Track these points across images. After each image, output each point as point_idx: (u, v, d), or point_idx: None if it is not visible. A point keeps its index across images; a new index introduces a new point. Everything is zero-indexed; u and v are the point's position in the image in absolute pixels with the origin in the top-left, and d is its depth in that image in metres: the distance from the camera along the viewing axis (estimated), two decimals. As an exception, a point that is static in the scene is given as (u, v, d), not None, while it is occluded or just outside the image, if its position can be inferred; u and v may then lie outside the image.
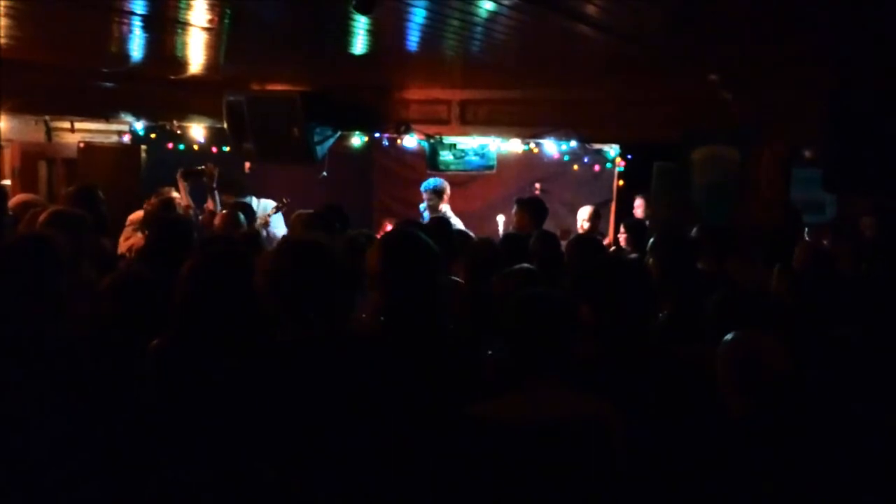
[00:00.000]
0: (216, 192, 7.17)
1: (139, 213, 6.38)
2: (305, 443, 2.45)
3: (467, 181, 9.22)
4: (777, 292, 4.63)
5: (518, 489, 2.53)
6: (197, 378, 2.69)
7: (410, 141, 8.25)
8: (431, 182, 7.80)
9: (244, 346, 2.66)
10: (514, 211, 6.66)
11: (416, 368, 2.75)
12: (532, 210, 6.55)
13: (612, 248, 7.02)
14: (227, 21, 4.85)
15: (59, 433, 2.68)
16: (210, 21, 4.79)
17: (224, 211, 6.71)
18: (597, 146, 8.13)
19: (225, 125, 8.01)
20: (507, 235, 6.20)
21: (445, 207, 7.70)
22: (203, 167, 7.35)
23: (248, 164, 9.07)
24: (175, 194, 6.98)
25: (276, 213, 7.41)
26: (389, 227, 7.20)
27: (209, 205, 7.16)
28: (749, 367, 2.87)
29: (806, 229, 6.28)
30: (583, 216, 7.66)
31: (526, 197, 7.08)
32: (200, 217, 6.96)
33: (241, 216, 6.27)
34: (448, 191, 7.76)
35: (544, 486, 2.54)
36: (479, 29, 4.69)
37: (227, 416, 2.48)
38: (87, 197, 5.51)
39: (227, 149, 8.45)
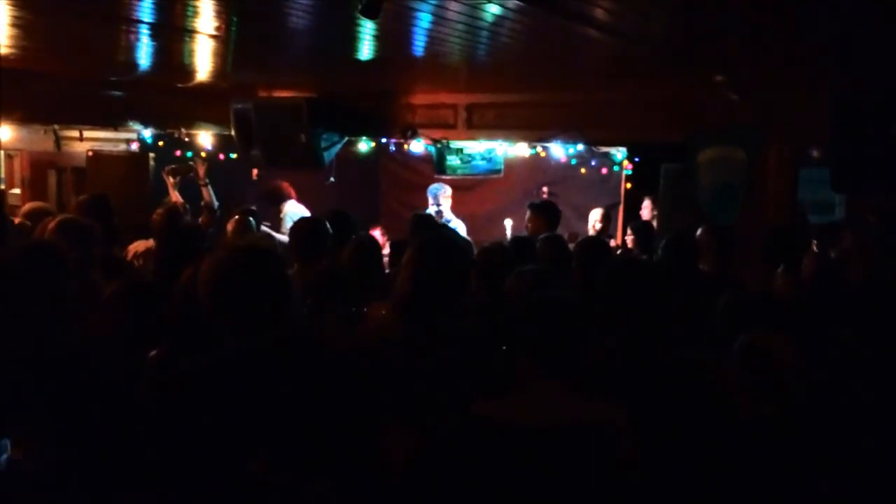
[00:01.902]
0: (209, 187, 7.21)
1: (141, 245, 6.25)
2: (304, 445, 2.45)
3: (475, 185, 9.23)
4: (780, 293, 4.63)
5: (521, 491, 2.53)
6: (197, 387, 2.68)
7: (417, 146, 8.27)
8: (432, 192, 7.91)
9: (242, 352, 2.65)
10: (527, 216, 6.62)
11: (432, 367, 2.76)
12: (546, 214, 6.51)
13: (620, 250, 7.02)
14: (233, 28, 4.87)
15: (61, 439, 2.69)
16: (217, 28, 4.82)
17: (236, 217, 6.74)
18: (604, 149, 8.13)
19: (232, 132, 8.04)
20: (515, 238, 6.21)
21: (446, 209, 7.77)
22: (191, 163, 7.40)
23: (255, 171, 9.13)
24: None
25: None
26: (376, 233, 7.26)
27: (204, 200, 7.18)
28: (761, 367, 2.88)
29: (814, 241, 6.24)
30: (594, 218, 7.72)
31: (539, 201, 7.07)
32: (201, 218, 6.99)
33: (252, 221, 6.31)
34: (444, 192, 7.84)
35: (547, 489, 2.54)
36: (484, 33, 4.70)
37: (228, 423, 2.48)
38: (98, 207, 5.52)
39: (234, 156, 8.49)
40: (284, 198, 8.09)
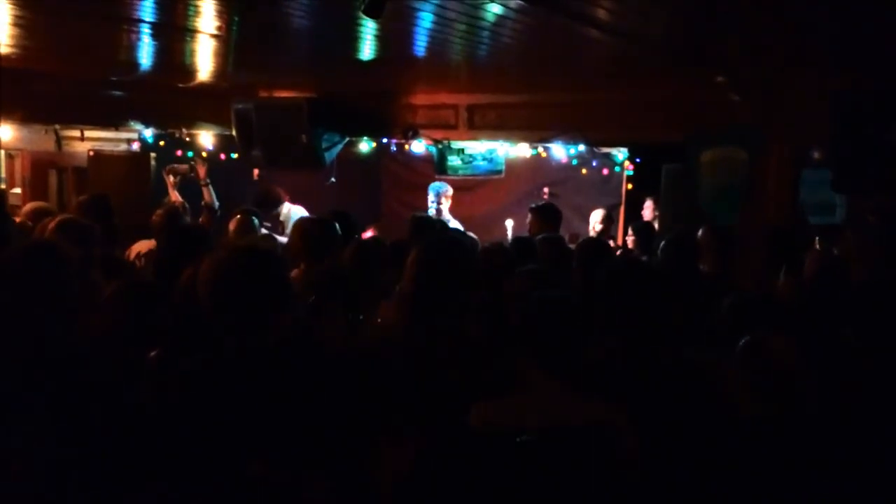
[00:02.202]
0: (209, 187, 7.22)
1: (143, 245, 6.25)
2: (304, 445, 2.45)
3: (476, 186, 9.22)
4: (783, 295, 4.62)
5: (521, 492, 2.53)
6: (197, 387, 2.68)
7: (418, 146, 8.27)
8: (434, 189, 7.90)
9: (242, 352, 2.65)
10: (528, 218, 6.61)
11: (432, 367, 2.76)
12: (546, 215, 6.50)
13: (620, 251, 7.01)
14: (234, 28, 4.88)
15: (61, 439, 2.69)
16: (218, 28, 4.82)
17: (238, 216, 6.74)
18: (605, 150, 8.12)
19: (233, 132, 8.05)
20: (516, 239, 6.20)
21: (445, 209, 7.77)
22: (192, 163, 7.43)
23: (256, 171, 9.13)
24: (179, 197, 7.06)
25: None
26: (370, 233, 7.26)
27: (204, 200, 7.20)
28: (761, 367, 2.88)
29: (817, 238, 6.23)
30: (595, 219, 7.70)
31: (539, 203, 7.06)
32: (201, 218, 7.00)
33: (255, 220, 6.31)
34: (446, 192, 7.83)
35: (548, 489, 2.53)
36: (486, 33, 4.70)
37: (228, 423, 2.48)
38: (98, 207, 5.51)
39: (235, 156, 8.50)
40: (279, 201, 8.08)
